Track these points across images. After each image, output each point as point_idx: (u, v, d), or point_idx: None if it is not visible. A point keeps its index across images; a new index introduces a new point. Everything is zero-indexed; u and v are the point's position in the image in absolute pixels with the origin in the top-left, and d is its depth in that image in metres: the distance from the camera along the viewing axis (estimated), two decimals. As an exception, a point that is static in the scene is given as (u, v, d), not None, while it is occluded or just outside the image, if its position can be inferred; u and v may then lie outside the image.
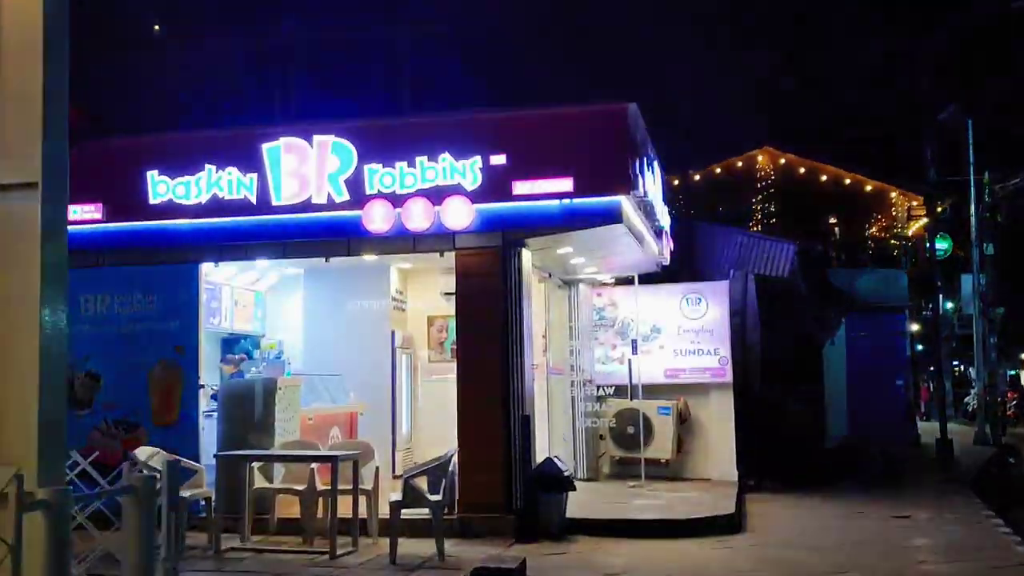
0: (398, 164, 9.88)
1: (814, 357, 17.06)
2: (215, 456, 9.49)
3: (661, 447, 13.18)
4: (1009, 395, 34.28)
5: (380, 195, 9.88)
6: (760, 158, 33.66)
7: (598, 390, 13.14)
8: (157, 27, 21.19)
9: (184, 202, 10.45)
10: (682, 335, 13.51)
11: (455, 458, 8.96)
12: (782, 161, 33.50)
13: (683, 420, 13.49)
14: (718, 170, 33.45)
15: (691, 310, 13.52)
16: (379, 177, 9.92)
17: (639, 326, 13.41)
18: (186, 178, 10.42)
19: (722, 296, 13.55)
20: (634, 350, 13.00)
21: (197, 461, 9.72)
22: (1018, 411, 33.70)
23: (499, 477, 9.51)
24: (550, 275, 12.72)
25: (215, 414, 10.56)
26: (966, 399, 34.51)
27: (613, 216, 9.57)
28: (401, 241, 10.00)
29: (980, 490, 13.39)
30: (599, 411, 13.09)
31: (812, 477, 13.46)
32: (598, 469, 13.54)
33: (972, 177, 23.52)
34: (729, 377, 13.40)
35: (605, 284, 13.95)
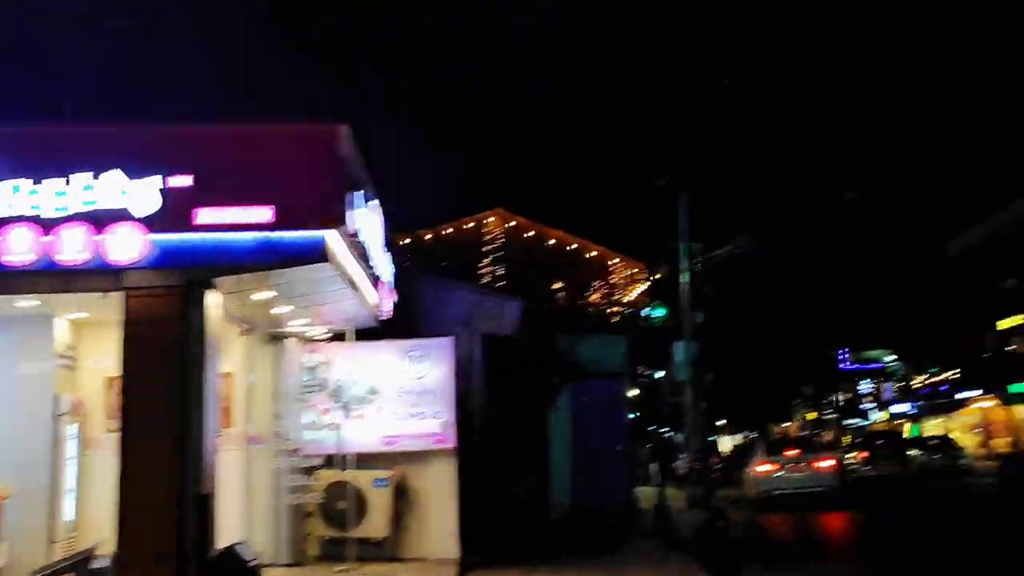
0: (49, 181, 7.99)
1: (540, 421, 16.49)
2: None
3: (376, 524, 11.79)
4: (712, 460, 36.18)
5: (23, 219, 8.00)
6: (491, 220, 33.64)
7: (306, 461, 11.53)
8: None
9: None
10: (402, 397, 12.28)
11: (105, 550, 7.08)
12: (512, 223, 33.67)
13: (401, 492, 12.19)
14: (449, 230, 33.00)
15: (413, 369, 12.35)
16: (22, 196, 7.99)
17: (354, 387, 12.01)
18: None
19: (447, 354, 12.51)
20: (346, 414, 11.57)
21: None
22: (722, 475, 35.64)
23: (166, 570, 7.71)
24: (253, 328, 11.08)
25: None
26: (675, 464, 36.01)
27: (318, 254, 8.28)
28: (49, 278, 8.14)
29: (699, 554, 13.23)
30: (307, 484, 11.49)
31: (538, 549, 12.83)
32: (304, 551, 11.87)
33: (680, 247, 24.55)
34: (452, 443, 12.33)
35: (318, 340, 12.45)
